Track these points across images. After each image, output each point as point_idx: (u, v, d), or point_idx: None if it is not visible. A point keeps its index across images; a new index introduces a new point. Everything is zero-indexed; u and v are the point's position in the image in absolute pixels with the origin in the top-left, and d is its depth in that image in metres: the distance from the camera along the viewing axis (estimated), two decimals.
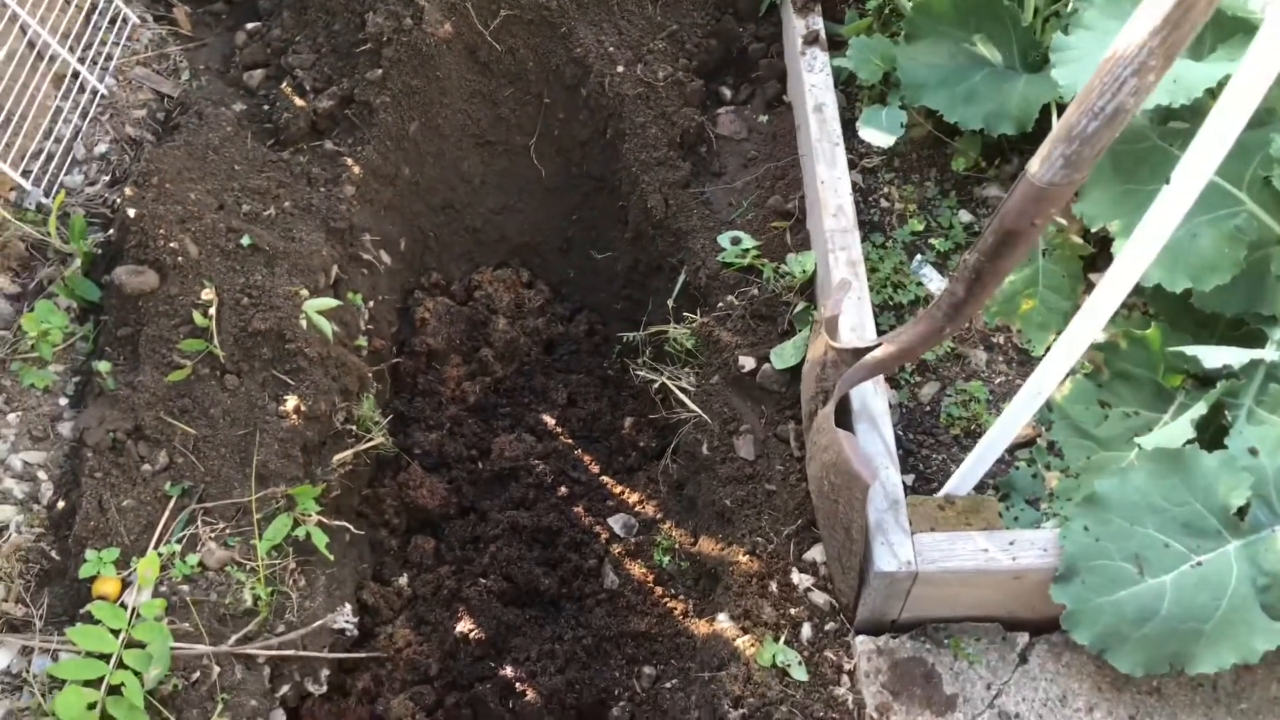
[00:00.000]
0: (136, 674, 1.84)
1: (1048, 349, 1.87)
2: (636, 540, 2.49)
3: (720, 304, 2.46)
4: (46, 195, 2.47)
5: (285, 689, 2.03)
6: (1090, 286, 2.24)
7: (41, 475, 2.15)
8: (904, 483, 2.00)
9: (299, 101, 2.77)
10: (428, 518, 2.59)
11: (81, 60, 2.69)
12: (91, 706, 1.79)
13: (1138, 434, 1.99)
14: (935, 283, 2.40)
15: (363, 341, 2.54)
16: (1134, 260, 1.55)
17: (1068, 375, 1.90)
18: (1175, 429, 1.90)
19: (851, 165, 2.52)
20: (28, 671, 1.90)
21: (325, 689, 2.12)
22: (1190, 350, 1.93)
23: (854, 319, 2.15)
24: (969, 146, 2.54)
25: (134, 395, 2.15)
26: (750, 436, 2.27)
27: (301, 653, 2.04)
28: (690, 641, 2.18)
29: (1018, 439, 2.11)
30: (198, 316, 2.20)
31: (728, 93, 2.96)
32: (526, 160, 3.02)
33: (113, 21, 2.85)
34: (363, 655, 2.24)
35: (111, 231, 2.44)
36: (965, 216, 2.50)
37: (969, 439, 2.17)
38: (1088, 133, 1.27)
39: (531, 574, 2.47)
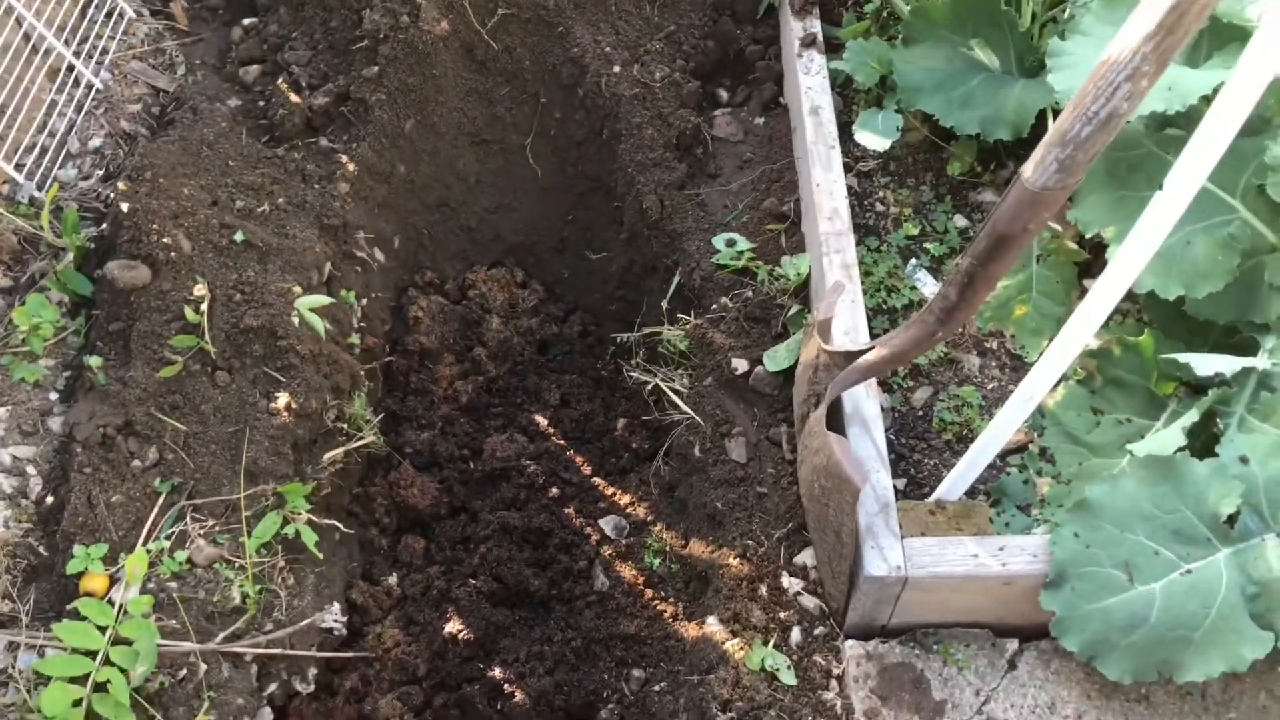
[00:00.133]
0: (123, 671, 1.83)
1: (1041, 354, 1.87)
2: (627, 542, 2.49)
3: (714, 306, 2.45)
4: (40, 189, 2.46)
5: (272, 687, 2.02)
6: (1084, 292, 2.23)
7: (30, 470, 2.14)
8: (895, 487, 2.00)
9: (294, 98, 2.76)
10: (418, 517, 2.58)
11: (77, 54, 2.68)
12: (77, 703, 1.79)
13: (1130, 441, 1.99)
14: (929, 287, 2.40)
15: (355, 339, 2.54)
16: (1126, 267, 1.55)
17: (1060, 381, 1.90)
18: (1167, 436, 1.90)
19: (847, 168, 2.52)
20: (13, 667, 1.89)
21: (313, 688, 2.11)
22: (1182, 358, 1.92)
23: (848, 322, 2.15)
24: (965, 151, 2.54)
25: (125, 391, 2.14)
26: (742, 439, 2.27)
27: (289, 651, 2.03)
28: (679, 644, 2.18)
29: (1010, 445, 2.11)
30: (190, 312, 2.19)
31: (724, 94, 2.95)
32: (522, 159, 3.02)
33: (109, 15, 2.84)
34: (351, 655, 2.23)
35: (104, 226, 2.43)
36: (960, 221, 2.50)
37: (961, 444, 2.17)
38: (1081, 138, 1.27)
39: (521, 575, 2.46)
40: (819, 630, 2.00)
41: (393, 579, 2.44)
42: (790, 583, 2.05)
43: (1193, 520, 1.76)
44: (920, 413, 2.23)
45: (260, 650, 1.98)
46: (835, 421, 2.04)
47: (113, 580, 1.97)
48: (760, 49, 2.95)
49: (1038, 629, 1.89)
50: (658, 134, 2.77)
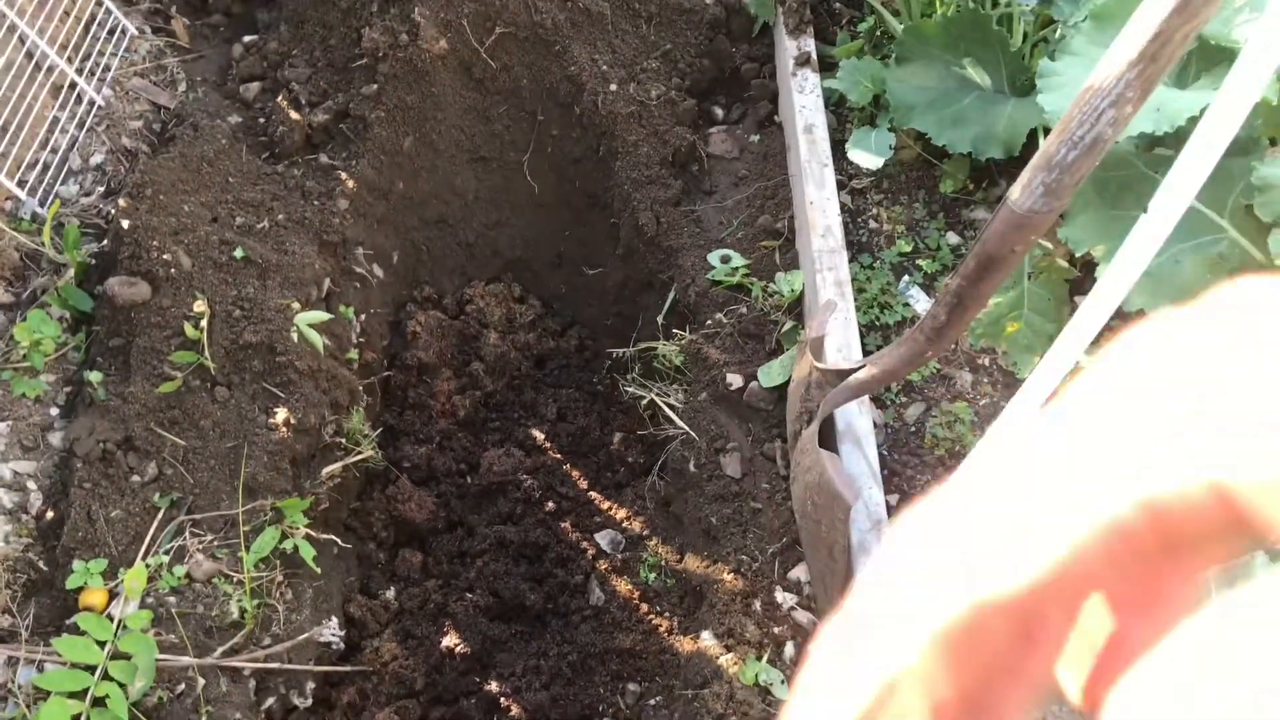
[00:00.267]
0: (121, 686, 1.84)
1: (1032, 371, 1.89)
2: (623, 556, 2.50)
3: (709, 321, 2.47)
4: (42, 205, 2.48)
5: (270, 702, 2.04)
6: (1076, 310, 2.26)
7: (31, 485, 2.16)
8: (888, 503, 2.02)
9: (294, 115, 2.79)
10: (416, 531, 2.59)
11: (79, 71, 2.71)
12: (76, 718, 1.80)
13: None
14: (922, 303, 2.42)
15: (354, 354, 2.56)
16: (1114, 286, 1.57)
17: (1050, 398, 1.92)
18: None
19: (841, 186, 2.54)
20: (13, 682, 1.90)
21: (310, 702, 2.12)
22: None
23: (840, 339, 2.17)
24: (957, 169, 2.57)
25: (124, 406, 2.16)
26: (737, 454, 2.29)
27: (287, 666, 2.05)
28: (674, 659, 2.19)
29: None
30: (189, 328, 2.21)
31: (719, 112, 2.98)
32: (520, 176, 3.04)
33: (111, 33, 2.87)
34: (349, 669, 2.25)
35: (105, 242, 2.45)
36: (953, 238, 2.53)
37: (953, 460, 2.19)
38: (1067, 162, 1.29)
39: (518, 589, 2.48)
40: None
41: (390, 593, 2.46)
42: (784, 598, 2.07)
43: None
44: (913, 428, 2.25)
45: (258, 665, 2.00)
46: (828, 438, 2.06)
47: (112, 595, 1.99)
48: (755, 67, 2.98)
49: None
50: (654, 151, 2.80)
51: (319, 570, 2.16)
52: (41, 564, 2.07)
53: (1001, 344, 2.32)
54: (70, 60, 2.70)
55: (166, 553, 2.05)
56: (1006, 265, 1.43)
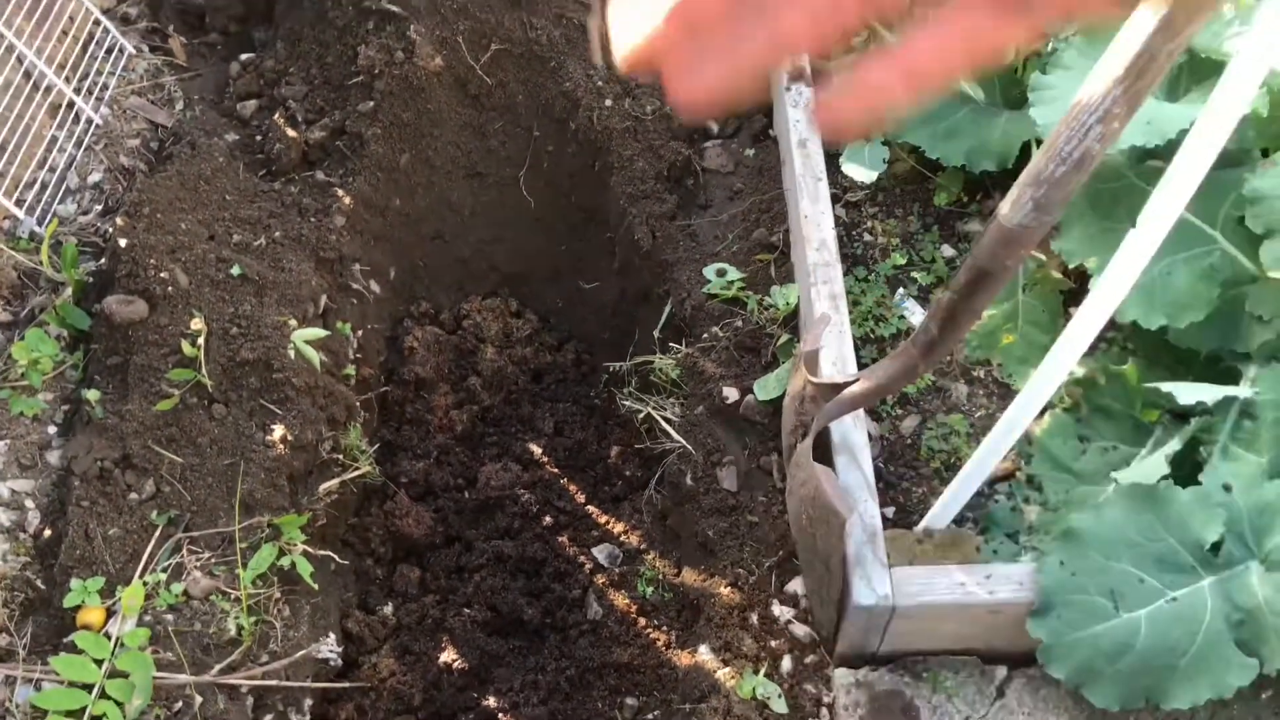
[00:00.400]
0: (119, 704, 1.85)
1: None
2: (620, 571, 2.51)
3: (705, 335, 2.48)
4: (40, 224, 2.49)
5: (268, 719, 2.04)
6: (1070, 321, 2.27)
7: (29, 503, 2.17)
8: (884, 515, 2.02)
9: (291, 132, 2.80)
10: (413, 546, 2.60)
11: (77, 90, 2.72)
12: None
13: (1116, 468, 2.02)
14: (917, 316, 2.43)
15: (351, 370, 2.56)
16: (1106, 298, 1.58)
17: (1046, 410, 1.93)
18: (1150, 464, 1.93)
19: (835, 200, 2.55)
20: (10, 701, 1.90)
21: (309, 719, 2.12)
22: (1165, 387, 1.95)
23: (835, 352, 2.18)
24: (951, 182, 2.58)
25: (122, 424, 2.16)
26: (733, 468, 2.29)
27: (285, 683, 2.05)
28: (672, 673, 2.19)
29: (997, 473, 2.13)
30: (186, 346, 2.22)
31: (715, 127, 3.00)
32: (516, 192, 3.05)
33: (109, 52, 2.89)
34: (347, 685, 2.25)
35: (103, 260, 2.46)
36: (948, 250, 2.54)
37: (949, 472, 2.19)
38: (1055, 177, 1.30)
39: (516, 604, 2.48)
40: (810, 659, 2.01)
41: (388, 608, 2.46)
42: (781, 611, 2.07)
43: (1177, 548, 1.78)
44: (908, 440, 2.25)
45: (256, 682, 2.00)
46: (824, 451, 2.07)
47: (109, 613, 1.99)
48: None
49: (1026, 656, 1.90)
50: (649, 166, 2.81)
51: (316, 586, 2.17)
52: (39, 582, 2.07)
53: (997, 356, 2.33)
54: (68, 80, 2.71)
55: (164, 570, 2.05)
56: (998, 280, 1.44)
